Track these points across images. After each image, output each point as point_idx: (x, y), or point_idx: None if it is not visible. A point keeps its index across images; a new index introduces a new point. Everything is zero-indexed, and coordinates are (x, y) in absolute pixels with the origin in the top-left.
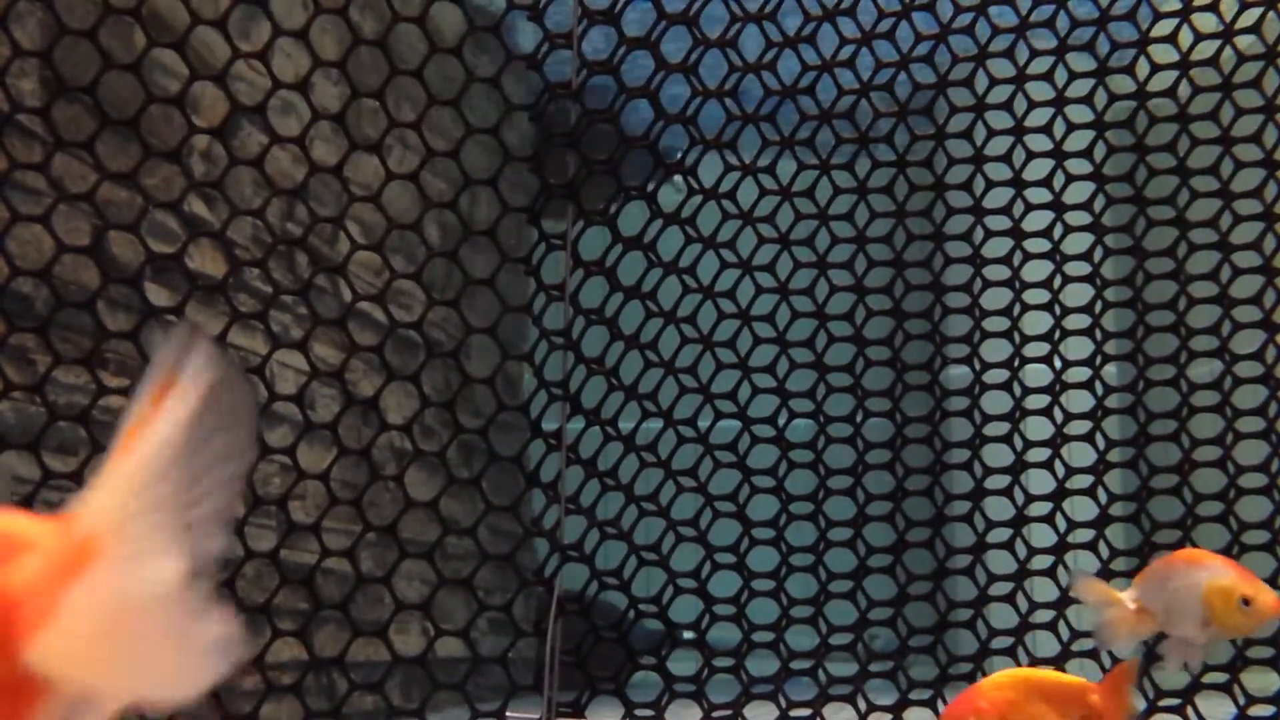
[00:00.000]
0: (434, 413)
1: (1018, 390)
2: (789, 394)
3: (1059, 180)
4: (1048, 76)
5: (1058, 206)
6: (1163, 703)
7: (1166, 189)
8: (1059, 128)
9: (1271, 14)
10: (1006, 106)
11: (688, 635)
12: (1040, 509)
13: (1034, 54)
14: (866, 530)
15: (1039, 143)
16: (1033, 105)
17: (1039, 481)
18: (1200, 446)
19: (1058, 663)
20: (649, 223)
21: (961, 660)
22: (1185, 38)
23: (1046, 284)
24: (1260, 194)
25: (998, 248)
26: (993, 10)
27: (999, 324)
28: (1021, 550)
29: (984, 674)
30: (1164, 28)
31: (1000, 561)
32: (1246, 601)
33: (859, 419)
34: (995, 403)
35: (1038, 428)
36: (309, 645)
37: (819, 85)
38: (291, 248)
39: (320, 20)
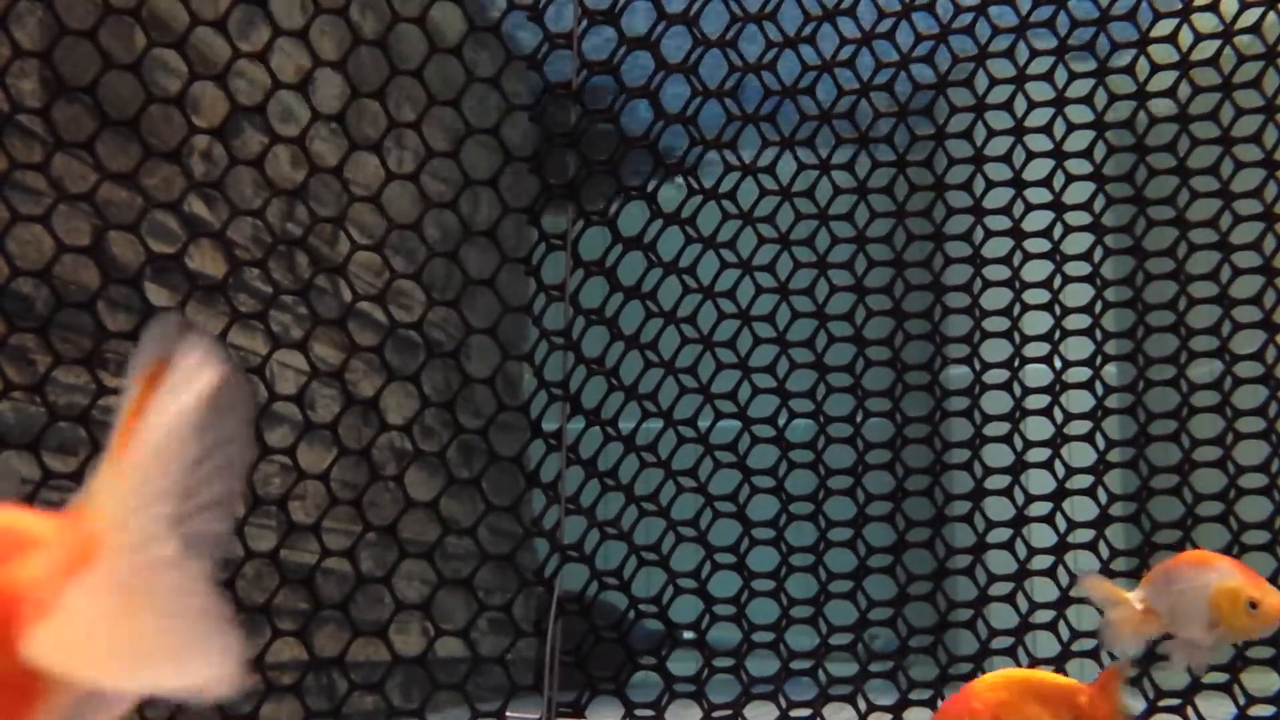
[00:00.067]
0: (434, 413)
1: (1018, 390)
2: (789, 394)
3: (1059, 180)
4: (1048, 76)
5: (1058, 206)
6: (1163, 703)
7: (1166, 189)
8: (1059, 128)
9: (1271, 14)
10: (1006, 107)
11: (688, 635)
12: (1040, 509)
13: (1034, 54)
14: (866, 530)
15: (1039, 143)
16: (1033, 105)
17: (1039, 481)
18: (1200, 447)
19: (1058, 663)
20: (649, 223)
21: (961, 660)
22: (1185, 38)
23: (1046, 284)
24: (1260, 194)
25: (998, 248)
26: (993, 10)
27: (999, 324)
28: (1021, 550)
29: (984, 674)
30: (1164, 28)
31: (1000, 561)
32: (1254, 604)
33: (859, 419)
34: (995, 403)
35: (1038, 428)
36: (309, 645)
37: (819, 85)
38: (291, 248)
39: (320, 20)
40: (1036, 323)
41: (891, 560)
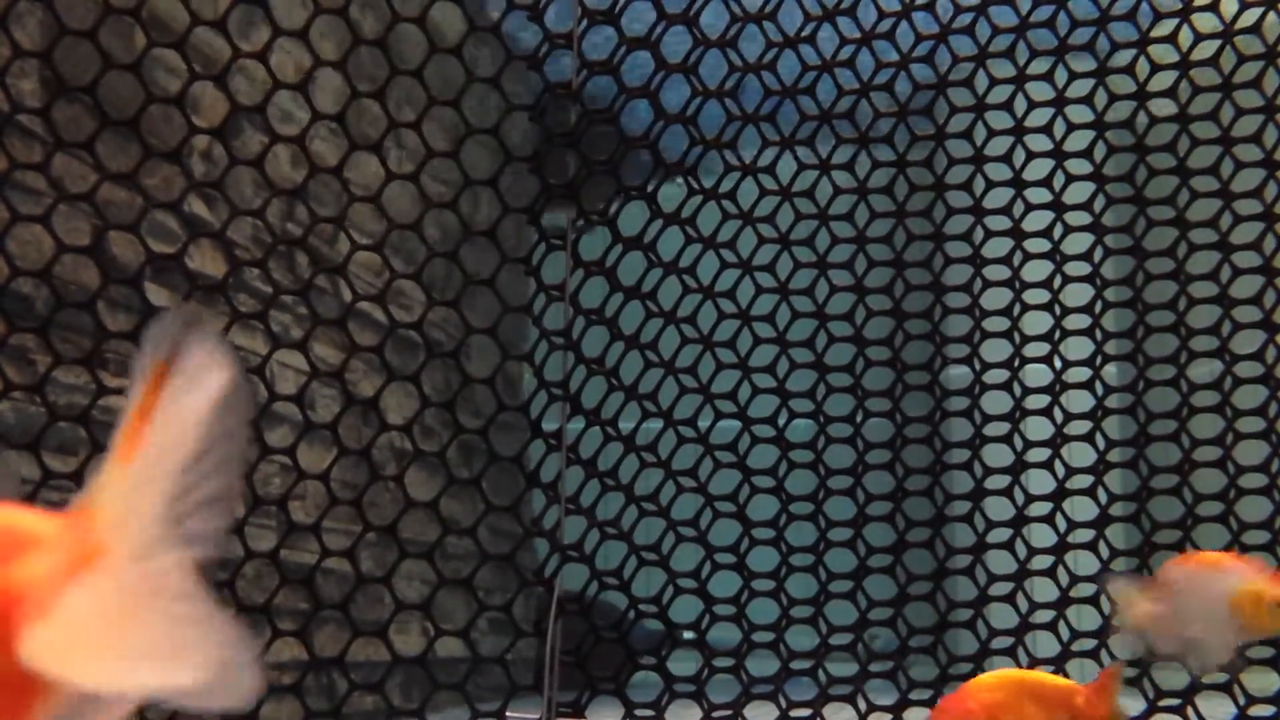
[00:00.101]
0: (434, 413)
1: (1018, 390)
2: (789, 394)
3: (1059, 180)
4: (1048, 77)
5: (1058, 207)
6: (1163, 703)
7: (1166, 189)
8: (1059, 128)
9: (1271, 14)
10: (1006, 107)
11: (688, 635)
12: (1040, 509)
13: (1034, 54)
14: (867, 530)
15: (1039, 143)
16: (1033, 105)
17: (1039, 481)
18: (1200, 447)
19: (1058, 663)
20: (649, 223)
21: (962, 660)
22: (1185, 38)
23: (1046, 284)
24: (1260, 194)
25: (998, 248)
26: (993, 10)
27: (999, 324)
28: (1021, 550)
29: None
30: (1164, 28)
31: (1000, 561)
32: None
33: (859, 419)
34: (995, 403)
35: (1038, 428)
36: (309, 645)
37: (819, 85)
38: (291, 248)
39: (320, 20)
40: (1036, 323)
41: (891, 560)
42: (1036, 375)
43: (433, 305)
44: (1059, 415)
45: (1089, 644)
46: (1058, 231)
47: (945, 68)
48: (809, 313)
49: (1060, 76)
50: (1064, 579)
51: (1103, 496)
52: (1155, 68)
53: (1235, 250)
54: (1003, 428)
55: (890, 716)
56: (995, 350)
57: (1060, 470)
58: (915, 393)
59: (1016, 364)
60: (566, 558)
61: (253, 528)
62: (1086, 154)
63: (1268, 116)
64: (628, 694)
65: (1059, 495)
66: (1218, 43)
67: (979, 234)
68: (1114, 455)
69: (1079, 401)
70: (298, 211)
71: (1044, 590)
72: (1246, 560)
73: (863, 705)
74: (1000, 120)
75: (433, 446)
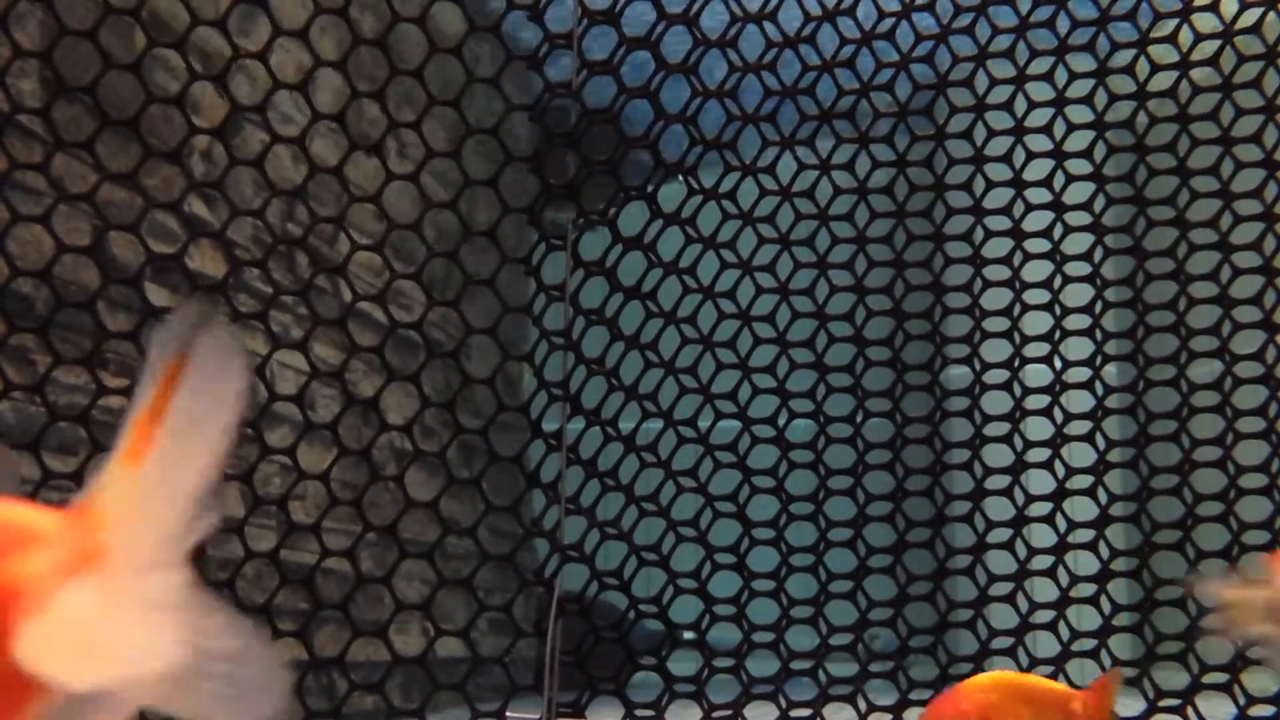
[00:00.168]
0: (434, 413)
1: (1018, 390)
2: (789, 394)
3: (1059, 180)
4: (1048, 77)
5: (1058, 207)
6: (1163, 703)
7: (1166, 189)
8: (1059, 128)
9: (1271, 14)
10: (1006, 107)
11: (688, 635)
12: (1040, 509)
13: (1034, 54)
14: (867, 531)
15: (1039, 143)
16: (1033, 105)
17: (1039, 482)
18: (1200, 447)
19: (1058, 663)
20: (649, 223)
21: (962, 660)
22: (1185, 38)
23: (1046, 284)
24: (1260, 194)
25: (998, 248)
26: (993, 10)
27: (999, 324)
28: (1021, 550)
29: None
30: (1164, 28)
31: (1000, 562)
32: None
33: (859, 419)
34: (995, 403)
35: (1038, 428)
36: (309, 645)
37: (819, 85)
38: (291, 248)
39: (320, 20)
40: (1036, 323)
41: (891, 560)
42: (1036, 375)
43: (433, 305)
44: (1059, 415)
45: (1089, 644)
46: (1058, 232)
47: (945, 68)
48: (809, 313)
49: (1060, 76)
50: (1064, 579)
51: (1103, 496)
52: (1155, 68)
53: (1235, 250)
54: (1003, 428)
55: (890, 717)
56: (995, 350)
57: (1060, 470)
58: (915, 393)
59: (1016, 364)
60: (566, 558)
61: (253, 528)
62: (1086, 154)
63: (1268, 116)
64: (628, 694)
65: (1059, 495)
66: (1218, 43)
67: (979, 234)
68: (1114, 455)
69: (1079, 402)
70: (298, 211)
71: (1044, 590)
72: None
73: (863, 705)
74: (1000, 120)
75: (433, 447)
